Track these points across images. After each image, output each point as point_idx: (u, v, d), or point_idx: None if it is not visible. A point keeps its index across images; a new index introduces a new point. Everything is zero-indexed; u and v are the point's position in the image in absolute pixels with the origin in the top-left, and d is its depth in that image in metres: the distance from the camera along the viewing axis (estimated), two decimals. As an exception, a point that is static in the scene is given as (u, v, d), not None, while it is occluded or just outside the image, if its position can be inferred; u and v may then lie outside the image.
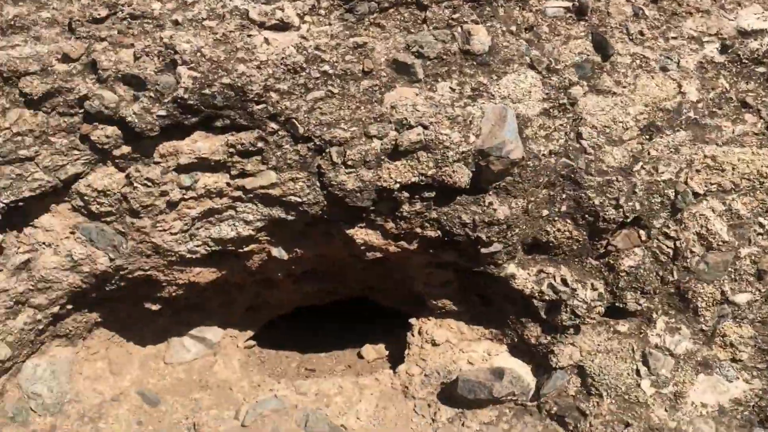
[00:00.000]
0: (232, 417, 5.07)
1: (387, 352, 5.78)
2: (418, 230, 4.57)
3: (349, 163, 4.26)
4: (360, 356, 5.85)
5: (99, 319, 5.08)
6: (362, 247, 4.68)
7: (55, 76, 4.05)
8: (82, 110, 4.16)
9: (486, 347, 5.24)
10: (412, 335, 5.41)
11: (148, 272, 4.74)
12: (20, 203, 4.24)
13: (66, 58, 4.05)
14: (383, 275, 5.62)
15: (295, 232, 4.78)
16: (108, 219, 4.47)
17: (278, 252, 4.88)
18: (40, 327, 4.66)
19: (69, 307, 4.76)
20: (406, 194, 4.37)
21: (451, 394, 4.93)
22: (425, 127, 4.21)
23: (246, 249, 4.78)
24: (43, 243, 4.49)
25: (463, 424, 4.79)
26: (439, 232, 4.57)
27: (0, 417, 4.61)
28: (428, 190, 4.37)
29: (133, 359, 5.45)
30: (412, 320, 5.45)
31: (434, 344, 5.29)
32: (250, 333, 5.90)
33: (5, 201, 4.18)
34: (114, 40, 4.11)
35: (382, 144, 4.25)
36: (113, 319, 5.26)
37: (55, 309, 4.66)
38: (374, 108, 4.26)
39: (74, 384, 4.98)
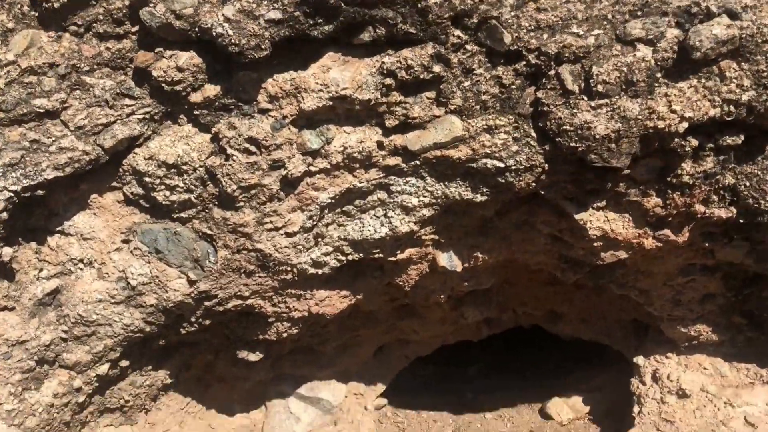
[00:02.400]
0: None
1: (587, 408, 3.85)
2: (699, 208, 2.70)
3: (597, 88, 2.43)
4: (545, 415, 3.94)
5: (168, 380, 3.28)
6: (596, 243, 2.83)
7: (89, -38, 2.35)
8: (136, 26, 2.43)
9: (766, 397, 3.31)
10: (642, 383, 3.51)
11: (249, 300, 2.94)
12: (39, 191, 2.49)
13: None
14: (585, 297, 3.75)
15: (474, 225, 2.95)
16: (184, 214, 2.70)
17: (448, 259, 3.05)
18: (80, 399, 2.86)
19: (124, 363, 2.97)
20: (694, 141, 2.51)
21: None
22: (735, 16, 2.36)
23: (400, 256, 2.95)
24: (80, 260, 2.73)
25: None
26: (733, 209, 2.70)
27: None
28: (734, 131, 2.51)
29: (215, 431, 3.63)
30: (638, 359, 3.55)
31: (682, 396, 3.38)
32: (380, 387, 4.05)
33: (14, 188, 2.44)
34: None
35: (653, 52, 2.41)
36: (188, 378, 3.45)
37: (103, 368, 2.87)
38: (627, -4, 2.44)
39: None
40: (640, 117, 2.46)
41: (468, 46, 2.50)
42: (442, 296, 3.25)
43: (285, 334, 3.16)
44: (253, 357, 3.27)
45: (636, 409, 3.48)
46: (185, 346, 3.28)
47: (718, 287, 3.20)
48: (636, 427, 3.44)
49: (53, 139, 2.47)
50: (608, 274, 3.17)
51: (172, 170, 2.59)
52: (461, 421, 4.02)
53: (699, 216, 2.74)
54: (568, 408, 3.88)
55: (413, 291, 3.23)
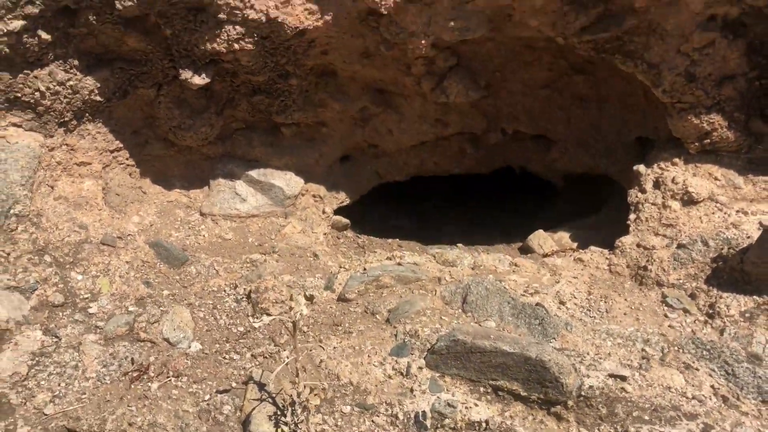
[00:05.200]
0: (321, 287, 2.73)
1: (576, 243, 3.36)
2: None
3: None
4: (525, 250, 3.45)
5: (97, 97, 2.85)
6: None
7: None
8: None
9: (785, 210, 2.85)
10: (641, 191, 3.05)
11: (197, -26, 2.53)
12: None
13: None
14: (583, 113, 3.33)
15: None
16: None
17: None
18: (-16, 55, 2.43)
19: (44, 35, 2.55)
20: None
21: (743, 271, 2.55)
22: None
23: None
24: None
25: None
26: None
27: None
28: None
29: (149, 200, 3.16)
30: (640, 167, 3.10)
31: (688, 202, 2.91)
32: (343, 197, 3.58)
33: None
34: None
35: None
36: (122, 113, 3.01)
37: (16, 24, 2.45)
38: None
39: (37, 198, 2.69)
40: None
41: None
42: (423, 42, 2.82)
43: (237, 46, 2.73)
44: (198, 80, 2.83)
45: (632, 216, 3.00)
46: (122, 60, 2.86)
47: (739, 64, 2.77)
48: (631, 234, 2.96)
49: None
50: (617, 25, 2.74)
51: None
52: (429, 250, 3.53)
53: None
54: (552, 241, 3.39)
55: (391, 29, 2.81)
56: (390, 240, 3.63)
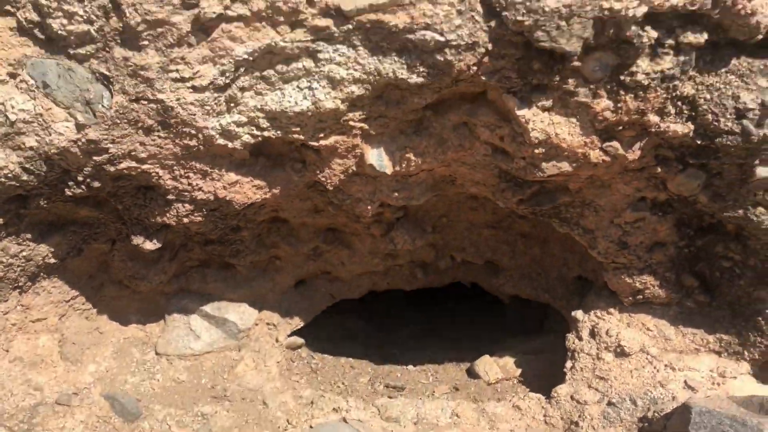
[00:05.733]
0: (266, 450, 2.87)
1: (520, 370, 3.53)
2: (653, 119, 2.45)
3: (552, -44, 2.18)
4: (472, 374, 3.61)
5: (52, 259, 2.93)
6: (538, 150, 2.55)
7: None
8: None
9: (711, 364, 3.03)
10: (578, 338, 3.21)
11: (145, 166, 2.62)
12: None
13: None
14: (527, 248, 3.47)
15: (409, 119, 2.68)
16: (82, 50, 2.40)
17: (377, 157, 2.75)
18: (-64, 249, 2.52)
19: (-5, 220, 2.63)
20: (653, 33, 2.27)
21: (671, 437, 2.74)
22: None
23: (323, 142, 2.65)
24: (-44, 85, 2.40)
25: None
26: (690, 125, 2.45)
27: None
28: (697, 28, 2.28)
29: (105, 341, 3.26)
30: (577, 313, 3.25)
31: (620, 354, 3.08)
32: (297, 322, 3.70)
33: None
34: None
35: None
36: (79, 269, 3.10)
37: (-32, 218, 2.53)
38: None
39: (-7, 367, 2.79)
40: (589, -8, 2.20)
41: None
42: (369, 207, 2.94)
43: (186, 220, 2.83)
44: (150, 245, 2.93)
45: (569, 364, 3.17)
46: (75, 224, 2.94)
47: (669, 234, 2.93)
48: (566, 383, 3.13)
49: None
50: (550, 202, 2.89)
51: (70, -7, 2.29)
52: (381, 371, 3.68)
53: (652, 129, 2.48)
54: (498, 368, 3.55)
55: (338, 196, 2.92)
56: (343, 360, 3.76)
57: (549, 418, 3.06)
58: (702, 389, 2.93)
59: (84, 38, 2.37)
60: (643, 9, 2.22)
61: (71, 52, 2.41)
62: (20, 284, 2.90)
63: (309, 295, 3.72)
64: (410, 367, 3.68)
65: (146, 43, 2.35)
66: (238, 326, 3.43)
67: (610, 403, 2.97)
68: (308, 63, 2.49)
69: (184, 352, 3.33)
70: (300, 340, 3.74)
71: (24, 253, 2.82)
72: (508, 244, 3.55)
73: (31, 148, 2.47)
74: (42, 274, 2.98)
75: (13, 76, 2.45)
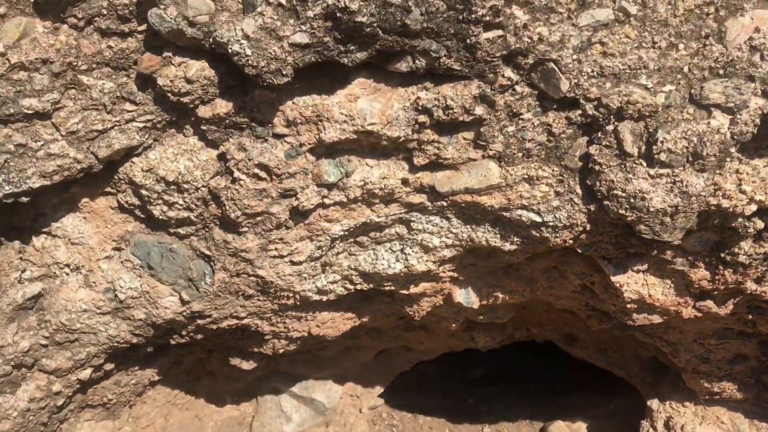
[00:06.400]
0: None
1: (590, 437, 3.70)
2: (750, 286, 2.43)
3: (659, 156, 2.11)
4: (544, 437, 3.79)
5: (156, 377, 3.13)
6: (630, 305, 2.57)
7: (91, -50, 2.03)
8: (143, 25, 2.11)
9: (781, 462, 3.13)
10: (653, 428, 3.33)
11: (245, 320, 2.74)
12: (23, 198, 2.24)
13: None
14: (604, 329, 3.52)
15: (499, 267, 2.70)
16: (182, 231, 2.46)
17: (465, 296, 2.81)
18: (59, 402, 2.71)
19: (108, 367, 2.80)
20: (760, 223, 2.22)
21: None
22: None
23: (413, 290, 2.71)
24: (66, 265, 2.50)
25: None
26: (787, 290, 2.43)
27: None
28: (808, 217, 2.22)
29: (204, 426, 3.51)
30: (653, 403, 3.36)
31: (693, 449, 3.20)
32: (378, 390, 3.89)
33: (-5, 194, 2.19)
34: None
35: (731, 123, 2.09)
36: (177, 373, 3.30)
37: (85, 373, 2.71)
38: (708, 47, 2.08)
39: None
40: (703, 193, 2.15)
41: (518, 88, 2.17)
42: (453, 325, 3.03)
43: (282, 351, 2.97)
44: (246, 366, 3.10)
45: (640, 454, 3.32)
46: (175, 347, 3.11)
47: (752, 350, 2.96)
48: (637, 475, 3.29)
49: (42, 143, 2.20)
50: (635, 330, 2.93)
51: (172, 187, 2.32)
52: (457, 430, 3.89)
53: (748, 292, 2.48)
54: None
55: (425, 317, 3.01)
56: (421, 420, 3.97)
57: None
58: (775, 492, 3.06)
59: (184, 222, 2.43)
60: (753, 207, 2.17)
61: (171, 231, 2.48)
62: (130, 402, 3.12)
63: (388, 363, 3.88)
64: (485, 428, 3.87)
65: (246, 229, 2.40)
66: (325, 404, 3.64)
67: (684, 503, 3.13)
68: (402, 230, 2.52)
69: (277, 434, 3.57)
70: (380, 401, 3.95)
71: (133, 381, 3.02)
72: (583, 321, 3.61)
73: (140, 320, 2.60)
74: (147, 388, 3.18)
75: (117, 249, 2.53)
